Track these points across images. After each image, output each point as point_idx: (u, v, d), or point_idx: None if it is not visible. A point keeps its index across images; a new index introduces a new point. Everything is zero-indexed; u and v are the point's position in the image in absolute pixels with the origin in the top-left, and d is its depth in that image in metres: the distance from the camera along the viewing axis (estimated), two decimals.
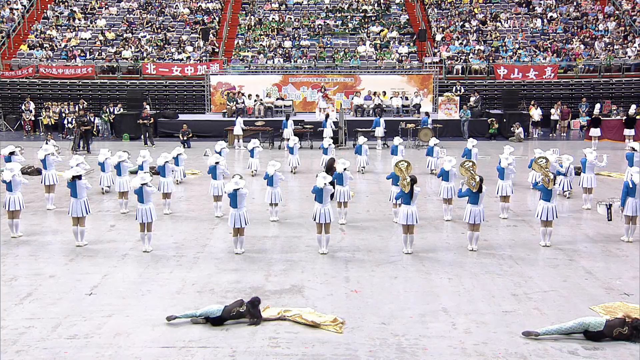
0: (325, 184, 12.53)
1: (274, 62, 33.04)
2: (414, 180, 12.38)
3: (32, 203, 16.61)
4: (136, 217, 12.81)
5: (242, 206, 12.47)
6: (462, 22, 35.73)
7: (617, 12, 36.14)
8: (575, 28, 35.18)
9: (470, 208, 12.64)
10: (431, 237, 13.74)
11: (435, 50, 33.42)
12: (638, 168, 14.00)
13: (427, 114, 27.17)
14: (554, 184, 13.00)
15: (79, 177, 13.22)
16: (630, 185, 13.18)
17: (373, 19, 36.49)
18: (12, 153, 16.57)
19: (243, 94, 30.23)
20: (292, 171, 20.68)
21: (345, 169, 14.45)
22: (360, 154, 20.48)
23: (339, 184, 14.46)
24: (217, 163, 15.42)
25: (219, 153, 18.89)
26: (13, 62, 33.15)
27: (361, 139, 20.72)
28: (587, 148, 17.55)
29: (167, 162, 15.94)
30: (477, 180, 12.61)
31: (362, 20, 36.33)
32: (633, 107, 27.94)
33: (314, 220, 12.66)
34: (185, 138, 26.25)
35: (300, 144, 21.53)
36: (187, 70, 32.15)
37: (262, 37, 35.04)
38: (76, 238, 13.14)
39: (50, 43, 34.08)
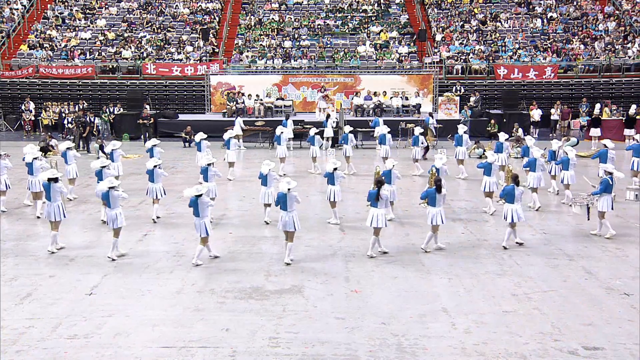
0: (289, 189, 11.96)
1: (274, 62, 33.05)
2: (380, 182, 12.32)
3: (31, 206, 16.58)
4: (106, 222, 12.29)
5: (206, 215, 11.86)
6: (462, 22, 35.73)
7: (617, 12, 36.14)
8: (575, 28, 35.18)
9: (429, 209, 12.54)
10: None
11: (435, 50, 33.42)
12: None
13: (430, 114, 27.19)
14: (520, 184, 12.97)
15: (55, 179, 12.73)
16: None
17: (373, 19, 36.48)
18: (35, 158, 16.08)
19: (243, 94, 30.23)
20: (280, 161, 20.25)
21: (335, 169, 14.45)
22: (347, 143, 20.64)
23: (330, 183, 14.48)
24: (209, 165, 14.99)
25: (227, 142, 19.30)
26: (13, 62, 33.15)
27: (347, 128, 21.28)
28: (567, 146, 17.86)
29: (156, 166, 15.08)
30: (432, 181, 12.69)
31: (362, 20, 36.33)
32: (633, 107, 27.93)
33: (278, 228, 12.22)
34: (188, 138, 26.24)
35: (300, 144, 21.54)
36: (187, 70, 32.14)
37: (262, 37, 35.04)
38: (51, 243, 12.65)
39: (50, 43, 34.07)
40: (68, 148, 17.28)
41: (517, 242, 13.03)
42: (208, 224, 11.85)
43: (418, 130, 20.69)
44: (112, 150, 17.71)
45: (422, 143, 20.35)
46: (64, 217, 12.85)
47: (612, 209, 13.81)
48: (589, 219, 14.25)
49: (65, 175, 16.74)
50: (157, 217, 15.05)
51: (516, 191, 12.74)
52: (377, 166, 14.73)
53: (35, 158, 15.90)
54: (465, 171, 19.71)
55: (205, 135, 19.89)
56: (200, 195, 11.76)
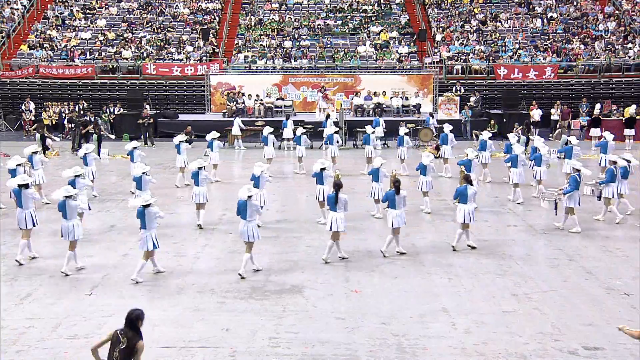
0: (249, 196, 11.24)
1: (274, 62, 33.05)
2: (338, 185, 12.05)
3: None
4: (61, 234, 11.54)
5: (153, 227, 11.02)
6: (462, 22, 35.73)
7: (617, 12, 36.15)
8: (575, 28, 35.19)
9: (390, 212, 12.28)
10: (431, 237, 13.74)
11: (435, 50, 33.43)
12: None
13: (430, 114, 27.22)
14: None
15: (26, 185, 12.17)
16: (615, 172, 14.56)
17: (373, 19, 36.49)
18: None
19: (243, 94, 30.24)
20: (267, 162, 19.70)
21: (323, 169, 14.47)
22: (332, 143, 20.81)
23: (319, 183, 14.53)
24: (200, 168, 14.40)
25: (210, 143, 19.03)
26: (13, 62, 33.14)
27: (332, 128, 21.80)
28: (540, 143, 18.24)
29: (144, 172, 14.30)
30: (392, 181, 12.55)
31: (362, 20, 36.33)
32: (633, 107, 27.94)
33: (241, 237, 11.41)
34: (189, 138, 26.15)
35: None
36: (187, 70, 32.13)
37: (262, 37, 35.04)
38: (20, 252, 11.91)
39: (50, 43, 34.08)
40: (34, 152, 16.55)
41: (468, 245, 12.79)
42: (155, 237, 11.02)
43: (403, 130, 20.81)
44: (86, 154, 17.13)
45: (407, 143, 20.44)
46: (36, 224, 12.21)
47: (579, 204, 14.11)
48: (556, 214, 14.48)
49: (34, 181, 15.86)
50: None
51: (469, 191, 12.61)
52: (336, 169, 14.71)
53: (19, 164, 15.21)
54: (450, 170, 19.86)
55: (185, 138, 19.49)
56: (148, 205, 10.97)
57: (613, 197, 14.86)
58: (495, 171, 19.52)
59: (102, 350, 6.63)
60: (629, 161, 15.41)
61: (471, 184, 12.80)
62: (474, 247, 12.74)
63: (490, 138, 19.76)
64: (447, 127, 20.98)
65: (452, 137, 20.57)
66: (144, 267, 11.10)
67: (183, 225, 14.75)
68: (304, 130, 21.76)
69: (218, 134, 20.18)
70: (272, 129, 21.48)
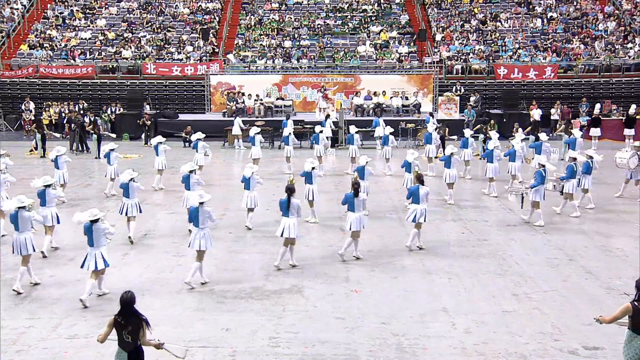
0: (201, 203, 10.77)
1: (274, 62, 33.05)
2: (290, 190, 11.71)
3: None
4: (13, 250, 10.75)
5: (102, 244, 10.14)
6: (462, 22, 35.73)
7: (617, 12, 36.14)
8: (575, 28, 35.18)
9: (348, 214, 12.09)
10: (431, 237, 13.73)
11: (435, 50, 33.42)
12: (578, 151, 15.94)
13: (430, 114, 27.25)
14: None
15: None
16: (575, 168, 15.33)
17: (373, 19, 36.49)
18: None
19: (243, 94, 30.24)
20: (253, 162, 19.24)
21: (313, 168, 14.55)
22: (317, 143, 20.76)
23: (307, 182, 14.61)
24: (191, 172, 14.09)
25: (195, 144, 19.00)
26: (13, 62, 33.14)
27: (317, 128, 21.71)
28: (515, 139, 18.86)
29: (132, 179, 13.46)
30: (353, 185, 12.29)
31: (362, 20, 36.34)
32: (633, 107, 27.94)
33: (189, 246, 10.95)
34: (188, 138, 26.17)
35: (300, 144, 21.58)
36: (187, 70, 32.14)
37: (262, 37, 35.04)
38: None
39: (50, 43, 34.07)
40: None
41: (418, 247, 12.77)
42: (105, 254, 10.16)
43: (388, 129, 20.98)
44: (57, 156, 16.54)
45: (391, 142, 20.58)
46: None
47: (544, 199, 14.50)
48: (522, 207, 14.80)
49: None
50: (131, 238, 13.44)
51: (421, 191, 12.52)
52: (291, 174, 14.76)
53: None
54: (434, 169, 20.01)
55: (164, 139, 19.10)
56: (97, 220, 10.09)
57: (574, 191, 15.36)
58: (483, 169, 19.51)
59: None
60: (591, 157, 15.98)
61: (423, 184, 12.72)
62: (422, 248, 12.78)
63: (471, 136, 20.24)
64: (431, 127, 21.58)
65: (436, 136, 20.95)
66: (93, 287, 10.14)
67: (182, 225, 14.73)
68: (292, 130, 21.98)
69: (203, 135, 19.97)
70: (259, 129, 21.50)
